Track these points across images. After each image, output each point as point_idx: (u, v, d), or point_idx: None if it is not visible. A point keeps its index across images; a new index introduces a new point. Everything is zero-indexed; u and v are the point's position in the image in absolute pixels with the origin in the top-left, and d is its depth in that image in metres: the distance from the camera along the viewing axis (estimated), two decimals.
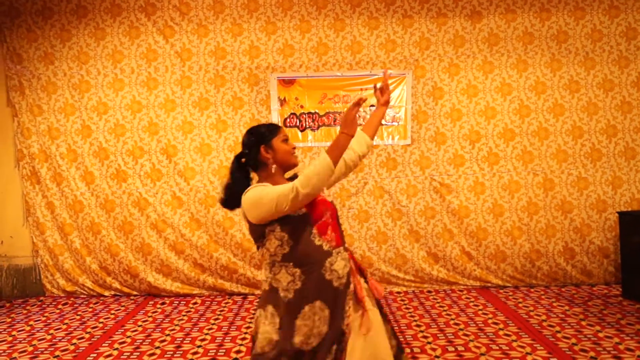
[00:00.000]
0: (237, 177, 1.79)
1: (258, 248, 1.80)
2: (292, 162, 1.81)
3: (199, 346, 3.24)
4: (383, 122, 4.45)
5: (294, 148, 1.82)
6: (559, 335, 3.25)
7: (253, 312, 3.96)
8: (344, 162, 1.95)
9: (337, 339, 1.72)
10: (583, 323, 3.46)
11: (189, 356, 3.07)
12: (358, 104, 1.62)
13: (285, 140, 1.80)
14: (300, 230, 1.71)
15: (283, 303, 1.72)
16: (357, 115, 1.64)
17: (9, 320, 3.92)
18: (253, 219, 1.69)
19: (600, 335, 3.23)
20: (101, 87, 4.43)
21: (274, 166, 1.78)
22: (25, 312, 4.12)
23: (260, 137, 1.78)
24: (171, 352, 3.15)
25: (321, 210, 1.77)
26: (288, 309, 1.71)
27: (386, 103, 1.98)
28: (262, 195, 1.63)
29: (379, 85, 2.02)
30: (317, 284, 1.72)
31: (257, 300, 1.84)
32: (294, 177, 1.92)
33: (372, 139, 2.03)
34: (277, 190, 1.61)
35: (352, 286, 1.79)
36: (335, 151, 1.59)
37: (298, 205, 1.61)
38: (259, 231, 1.74)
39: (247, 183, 1.79)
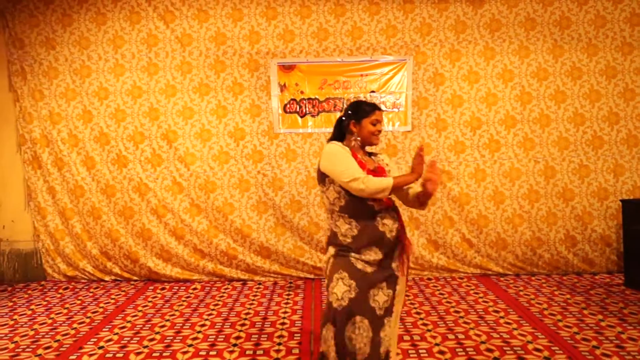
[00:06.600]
0: (334, 129, 2.21)
1: (321, 191, 2.17)
2: (372, 142, 2.14)
3: (198, 332, 3.23)
4: (383, 107, 4.43)
5: (379, 131, 2.13)
6: (560, 324, 3.22)
7: (252, 298, 3.96)
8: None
9: (388, 278, 2.08)
10: (585, 312, 3.43)
11: (189, 341, 3.06)
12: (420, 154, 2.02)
13: (375, 122, 2.11)
14: None
15: (343, 245, 2.06)
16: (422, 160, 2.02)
17: (10, 304, 3.93)
18: (321, 167, 2.05)
19: (603, 324, 3.19)
20: (102, 72, 4.44)
21: (357, 139, 2.14)
22: (26, 296, 4.14)
23: (354, 113, 2.13)
24: (171, 338, 3.14)
25: (376, 176, 2.04)
26: (348, 249, 2.05)
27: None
28: (338, 157, 2.00)
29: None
30: (372, 233, 2.03)
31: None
32: (371, 154, 2.25)
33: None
34: (351, 167, 1.95)
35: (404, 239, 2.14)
36: (401, 183, 1.98)
37: (354, 192, 1.96)
38: (321, 177, 2.09)
39: (338, 137, 2.18)
